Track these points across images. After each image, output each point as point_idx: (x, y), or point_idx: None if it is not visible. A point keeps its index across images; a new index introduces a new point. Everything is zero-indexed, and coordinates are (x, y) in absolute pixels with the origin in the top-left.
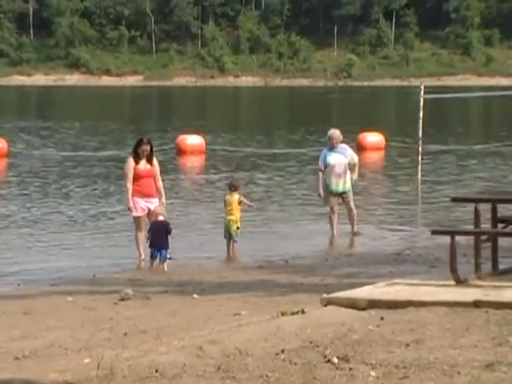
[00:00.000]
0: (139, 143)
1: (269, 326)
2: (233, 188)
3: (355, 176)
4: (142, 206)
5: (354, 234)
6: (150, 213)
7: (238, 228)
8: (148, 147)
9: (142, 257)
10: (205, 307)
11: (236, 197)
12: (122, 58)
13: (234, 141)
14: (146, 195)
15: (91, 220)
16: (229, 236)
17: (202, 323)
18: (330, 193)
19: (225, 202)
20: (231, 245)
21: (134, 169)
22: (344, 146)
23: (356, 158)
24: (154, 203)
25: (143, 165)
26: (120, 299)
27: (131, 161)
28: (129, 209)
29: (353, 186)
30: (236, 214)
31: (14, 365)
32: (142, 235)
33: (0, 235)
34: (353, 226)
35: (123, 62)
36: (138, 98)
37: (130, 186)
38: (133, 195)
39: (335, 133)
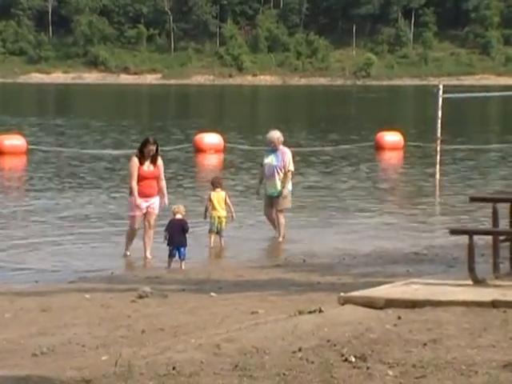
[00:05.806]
0: (145, 143)
1: (286, 325)
2: (218, 185)
3: (287, 185)
4: (142, 205)
5: (279, 241)
6: (147, 212)
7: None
8: (154, 147)
9: (128, 253)
10: (222, 305)
11: (223, 194)
12: (140, 57)
13: (252, 139)
14: (146, 195)
15: (110, 217)
16: (218, 231)
17: (219, 321)
18: (264, 193)
19: (211, 198)
20: (220, 239)
21: (138, 169)
22: (285, 149)
23: (290, 166)
24: (153, 202)
25: (147, 166)
26: (138, 297)
27: (136, 160)
28: (133, 207)
29: (290, 192)
30: (225, 211)
31: (31, 361)
32: (135, 234)
33: (19, 232)
34: (279, 232)
35: (141, 60)
36: (156, 97)
37: (135, 185)
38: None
39: (270, 136)
